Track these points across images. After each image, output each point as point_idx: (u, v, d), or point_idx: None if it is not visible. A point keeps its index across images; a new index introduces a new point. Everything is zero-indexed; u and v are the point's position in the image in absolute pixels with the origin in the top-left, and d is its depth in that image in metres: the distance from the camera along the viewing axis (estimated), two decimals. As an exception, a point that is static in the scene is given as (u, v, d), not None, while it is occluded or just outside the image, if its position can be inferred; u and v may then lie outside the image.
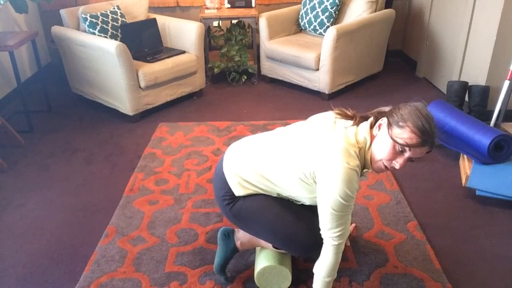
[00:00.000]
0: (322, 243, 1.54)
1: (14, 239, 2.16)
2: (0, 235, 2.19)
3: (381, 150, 1.45)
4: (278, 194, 1.66)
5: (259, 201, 1.66)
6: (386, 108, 1.53)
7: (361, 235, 2.11)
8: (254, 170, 1.64)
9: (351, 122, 1.53)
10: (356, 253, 2.00)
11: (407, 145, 1.39)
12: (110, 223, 2.23)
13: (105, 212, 2.34)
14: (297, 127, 1.66)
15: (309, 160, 1.50)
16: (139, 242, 2.09)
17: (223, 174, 1.70)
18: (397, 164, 1.44)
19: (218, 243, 1.88)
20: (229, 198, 1.69)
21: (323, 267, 1.53)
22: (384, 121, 1.47)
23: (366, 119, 1.55)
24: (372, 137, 1.49)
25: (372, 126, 1.52)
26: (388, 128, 1.43)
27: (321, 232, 1.52)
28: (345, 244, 2.03)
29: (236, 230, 1.88)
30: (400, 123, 1.40)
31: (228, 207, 1.70)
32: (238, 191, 1.67)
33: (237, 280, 1.87)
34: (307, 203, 1.65)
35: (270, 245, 1.76)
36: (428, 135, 1.38)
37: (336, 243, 1.48)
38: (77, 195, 2.50)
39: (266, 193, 1.67)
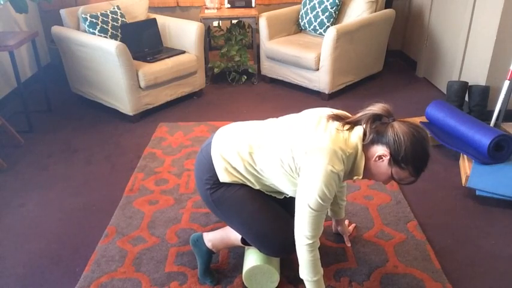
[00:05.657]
0: (293, 248, 1.55)
1: (14, 239, 2.16)
2: (0, 235, 2.19)
3: (378, 177, 1.54)
4: (262, 184, 1.67)
5: (242, 193, 1.67)
6: (376, 109, 1.49)
7: (361, 235, 2.12)
8: (241, 156, 1.64)
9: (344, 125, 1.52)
10: (356, 253, 2.00)
11: (401, 181, 1.52)
12: (110, 223, 2.23)
13: (105, 212, 2.34)
14: (289, 119, 1.65)
15: (296, 155, 1.50)
16: (139, 242, 2.09)
17: (210, 158, 1.70)
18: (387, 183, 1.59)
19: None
20: (212, 183, 1.69)
21: (306, 269, 1.54)
22: (385, 155, 1.45)
23: (357, 123, 1.52)
24: (366, 151, 1.49)
25: (364, 134, 1.49)
26: (390, 164, 1.47)
27: (295, 230, 1.52)
28: (345, 244, 2.04)
29: (205, 233, 1.89)
30: (402, 165, 1.45)
31: (209, 191, 1.70)
32: (223, 177, 1.67)
33: (237, 280, 1.87)
34: (289, 195, 1.66)
35: (239, 241, 1.77)
36: (421, 174, 1.49)
37: (310, 241, 1.49)
38: (77, 195, 2.50)
39: (250, 184, 1.68)
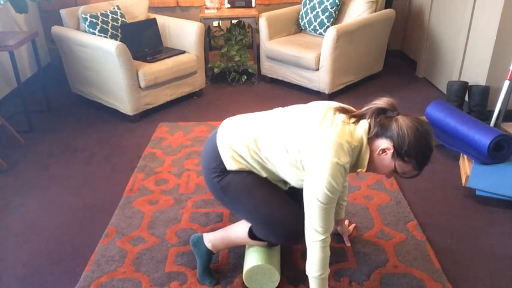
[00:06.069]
0: (302, 233, 1.55)
1: (14, 239, 2.16)
2: (0, 235, 2.19)
3: (381, 170, 1.55)
4: (268, 171, 1.67)
5: (250, 179, 1.67)
6: (381, 103, 1.51)
7: (361, 235, 2.11)
8: (247, 144, 1.65)
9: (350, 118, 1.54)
10: (356, 253, 2.00)
11: (404, 175, 1.53)
12: (110, 223, 2.23)
13: (105, 212, 2.34)
14: (296, 110, 1.66)
15: (302, 148, 1.51)
16: (139, 242, 2.09)
17: (217, 147, 1.71)
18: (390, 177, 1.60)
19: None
20: (219, 171, 1.70)
21: (314, 265, 1.53)
22: (388, 148, 1.47)
23: (362, 117, 1.54)
24: (371, 145, 1.51)
25: (370, 128, 1.51)
26: (393, 158, 1.48)
27: (305, 227, 1.52)
28: (345, 244, 2.04)
29: (205, 234, 1.88)
30: (406, 159, 1.46)
31: (217, 179, 1.71)
32: (230, 165, 1.67)
33: (237, 280, 1.87)
34: (292, 185, 1.67)
35: (240, 240, 1.76)
36: (424, 168, 1.49)
37: (323, 236, 1.50)
38: (77, 195, 2.50)
39: (256, 171, 1.68)
